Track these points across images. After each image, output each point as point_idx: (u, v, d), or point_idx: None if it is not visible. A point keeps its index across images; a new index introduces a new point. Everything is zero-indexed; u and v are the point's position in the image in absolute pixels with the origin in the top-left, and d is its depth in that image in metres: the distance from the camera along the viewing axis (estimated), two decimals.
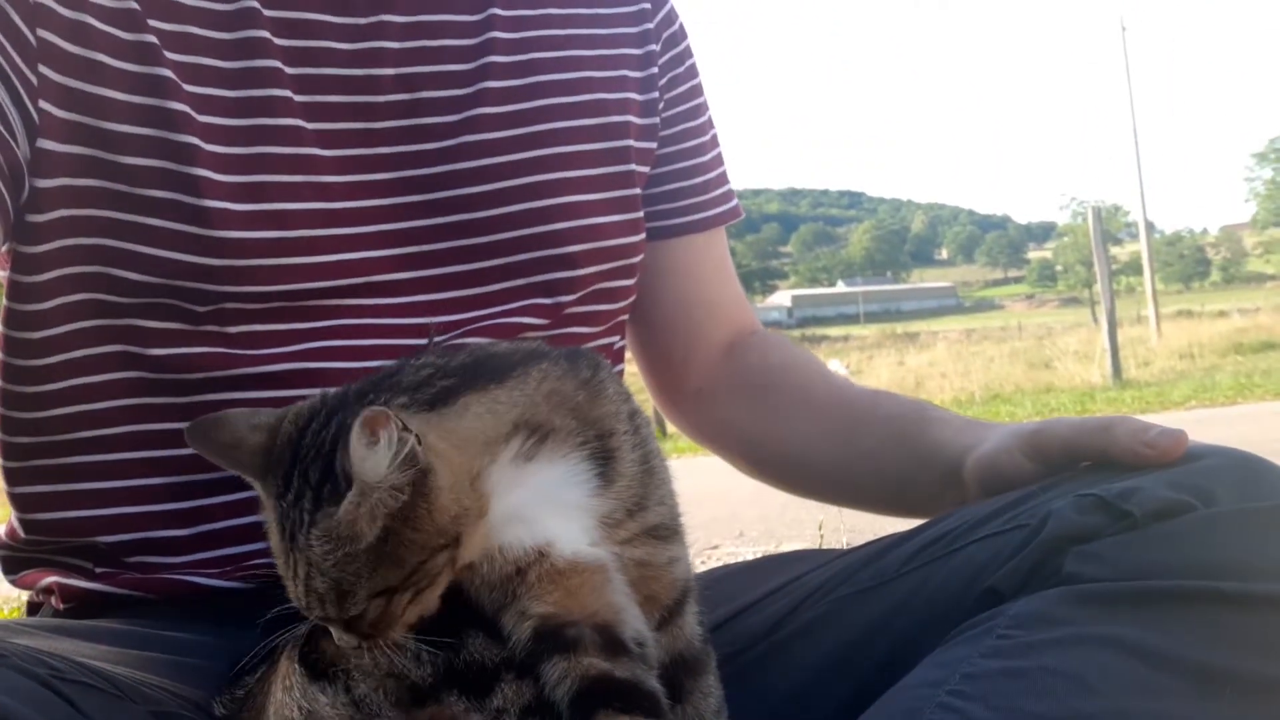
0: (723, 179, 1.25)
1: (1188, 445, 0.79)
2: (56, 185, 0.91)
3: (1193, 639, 0.68)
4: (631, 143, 1.13)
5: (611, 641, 0.73)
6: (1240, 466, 0.76)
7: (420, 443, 0.67)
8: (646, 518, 0.79)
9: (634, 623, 0.76)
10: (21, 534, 0.99)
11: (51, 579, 0.97)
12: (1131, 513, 0.73)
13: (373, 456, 0.65)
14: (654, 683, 0.73)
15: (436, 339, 0.99)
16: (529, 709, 0.71)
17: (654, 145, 1.17)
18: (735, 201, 1.27)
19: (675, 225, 1.20)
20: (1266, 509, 0.72)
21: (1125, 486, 0.75)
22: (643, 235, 1.14)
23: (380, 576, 0.68)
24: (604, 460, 0.77)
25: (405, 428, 0.66)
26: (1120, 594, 0.70)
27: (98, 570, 0.96)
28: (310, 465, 0.69)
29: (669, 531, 0.81)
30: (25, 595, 1.04)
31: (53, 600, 0.97)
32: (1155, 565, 0.70)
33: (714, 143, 1.25)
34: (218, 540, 0.96)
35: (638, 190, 1.14)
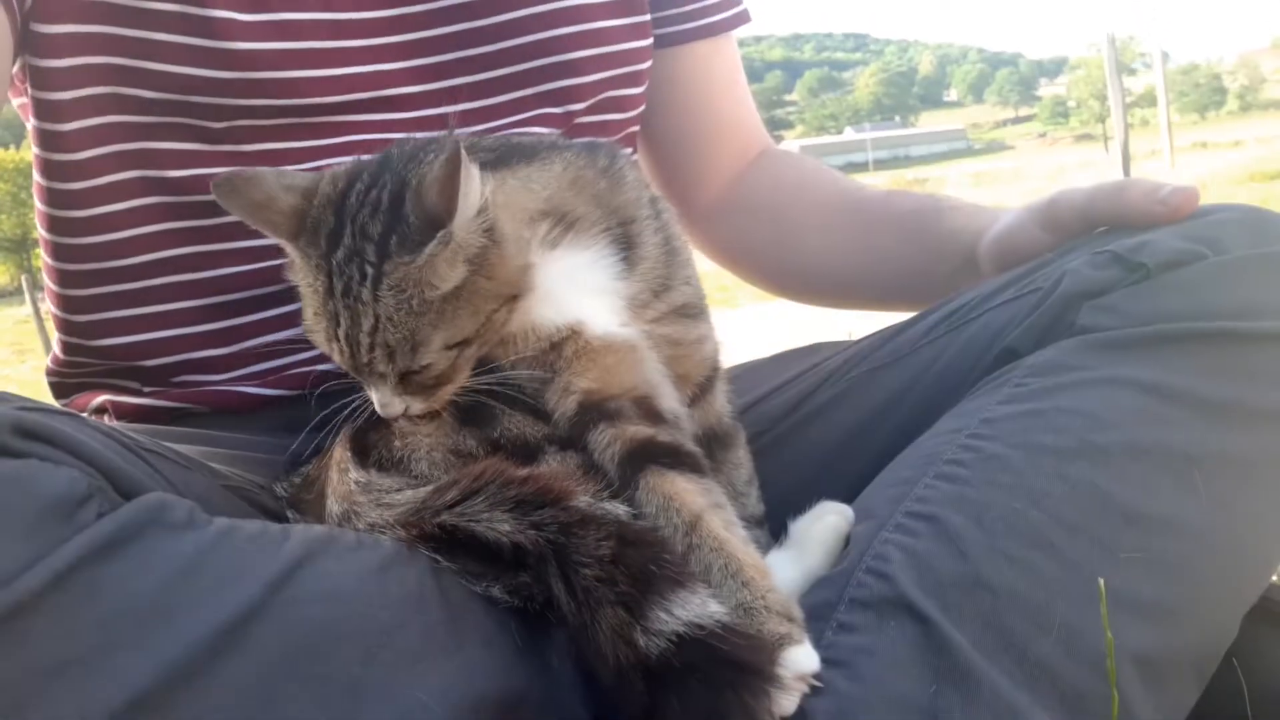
0: None
1: (1199, 203, 0.81)
2: None
3: (1202, 374, 0.71)
4: None
5: (651, 412, 0.77)
6: (1250, 217, 0.78)
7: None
8: (673, 297, 0.82)
9: (669, 398, 0.80)
10: (63, 356, 1.02)
11: (104, 398, 1.01)
12: (1145, 264, 0.75)
13: (467, 197, 0.68)
14: (693, 445, 0.77)
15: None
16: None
17: None
18: (743, 6, 1.25)
19: (683, 31, 1.19)
20: (1275, 253, 0.74)
21: (1138, 241, 0.77)
22: (649, 40, 1.13)
23: (457, 326, 0.72)
24: (627, 245, 0.80)
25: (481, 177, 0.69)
26: (1132, 339, 0.72)
27: (146, 389, 1.00)
28: (369, 221, 0.71)
29: (696, 310, 0.84)
30: None
31: (107, 419, 1.01)
32: (1167, 311, 0.73)
33: None
34: (256, 356, 0.99)
35: None
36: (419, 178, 0.70)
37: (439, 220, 0.69)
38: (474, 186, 0.69)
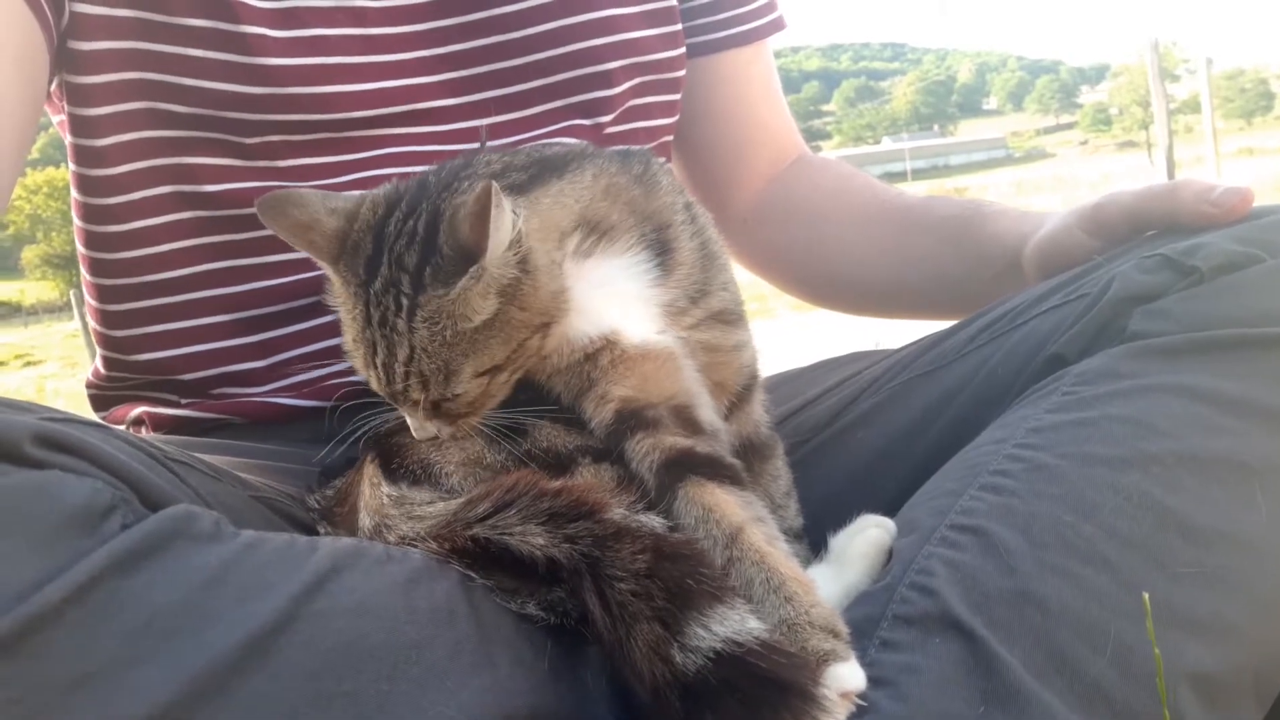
0: None
1: (1253, 204, 0.78)
2: (96, 13, 0.91)
3: (1259, 381, 0.68)
4: None
5: (689, 422, 0.76)
6: None
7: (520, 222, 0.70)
8: (710, 303, 0.81)
9: (707, 408, 0.79)
10: (103, 370, 1.03)
11: (141, 409, 1.01)
12: (1197, 267, 0.72)
13: (499, 232, 0.67)
14: (732, 458, 0.76)
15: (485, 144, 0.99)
16: None
17: None
18: (779, 13, 1.24)
19: (717, 40, 1.18)
20: None
21: (1191, 244, 0.74)
22: (682, 49, 1.13)
23: (487, 355, 0.71)
24: (662, 251, 0.79)
25: (513, 208, 0.69)
26: (1185, 345, 0.70)
27: (183, 401, 1.00)
28: (404, 251, 0.70)
29: (734, 316, 0.82)
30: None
31: (144, 430, 1.01)
32: (1222, 315, 0.70)
33: None
34: (293, 368, 0.99)
35: (675, 1, 1.12)
36: (452, 209, 0.69)
37: (471, 254, 0.68)
38: (505, 221, 0.68)
